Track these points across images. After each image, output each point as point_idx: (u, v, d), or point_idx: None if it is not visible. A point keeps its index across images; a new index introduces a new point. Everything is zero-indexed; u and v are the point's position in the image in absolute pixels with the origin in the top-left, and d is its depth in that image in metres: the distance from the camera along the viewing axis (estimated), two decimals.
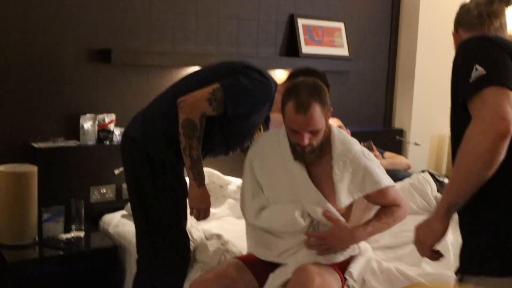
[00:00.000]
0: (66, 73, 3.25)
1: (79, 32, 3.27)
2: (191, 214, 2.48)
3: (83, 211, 3.08)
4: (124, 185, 3.31)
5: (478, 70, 1.64)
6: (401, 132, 4.66)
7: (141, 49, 3.47)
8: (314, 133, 2.24)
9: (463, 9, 1.98)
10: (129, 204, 3.20)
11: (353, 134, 4.02)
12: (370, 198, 2.39)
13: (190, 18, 3.65)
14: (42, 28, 3.15)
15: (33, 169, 2.89)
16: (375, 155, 3.73)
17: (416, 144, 4.52)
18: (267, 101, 2.50)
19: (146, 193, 2.48)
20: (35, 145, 3.14)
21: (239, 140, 2.62)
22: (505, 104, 1.58)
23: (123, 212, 3.26)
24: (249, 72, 2.46)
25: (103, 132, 3.34)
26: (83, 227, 3.06)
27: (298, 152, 2.31)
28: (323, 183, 2.33)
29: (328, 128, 2.37)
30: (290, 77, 2.56)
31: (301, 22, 4.12)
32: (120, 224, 3.13)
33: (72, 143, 3.26)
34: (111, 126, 3.36)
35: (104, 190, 3.32)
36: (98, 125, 3.33)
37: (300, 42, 4.09)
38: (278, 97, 2.48)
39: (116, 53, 3.30)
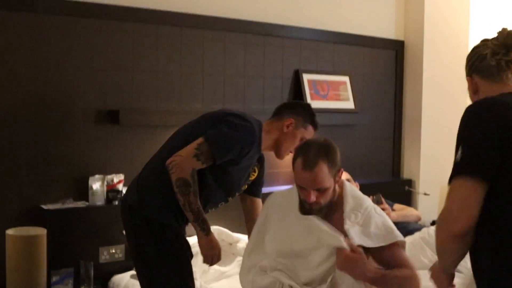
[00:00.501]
0: (75, 135, 3.30)
1: (87, 94, 3.32)
2: (204, 262, 2.55)
3: (92, 272, 3.07)
4: None
5: (459, 153, 1.65)
6: (410, 183, 4.66)
7: (149, 109, 3.53)
8: (321, 191, 2.27)
9: (477, 56, 1.90)
10: None
11: (362, 187, 4.05)
12: (380, 255, 2.33)
13: (197, 77, 3.71)
14: (50, 90, 3.21)
15: (42, 232, 2.90)
16: (384, 208, 3.75)
17: (425, 194, 4.52)
18: (253, 143, 2.53)
19: (149, 257, 2.48)
20: (44, 207, 3.15)
21: (234, 185, 2.65)
22: (464, 200, 1.60)
23: (133, 272, 3.24)
24: (230, 119, 2.53)
25: (112, 192, 3.35)
26: None
27: (306, 208, 2.33)
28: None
29: (341, 185, 2.41)
30: (275, 113, 2.75)
31: (306, 77, 4.18)
32: (130, 284, 3.11)
33: (81, 204, 3.27)
34: (120, 186, 3.38)
35: (114, 250, 3.32)
36: (107, 186, 3.35)
37: (306, 97, 4.14)
38: (265, 136, 2.61)
39: (124, 114, 3.35)
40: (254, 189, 2.81)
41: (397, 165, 4.79)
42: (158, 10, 3.52)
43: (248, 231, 2.78)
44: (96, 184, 3.31)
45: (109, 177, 3.35)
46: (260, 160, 2.75)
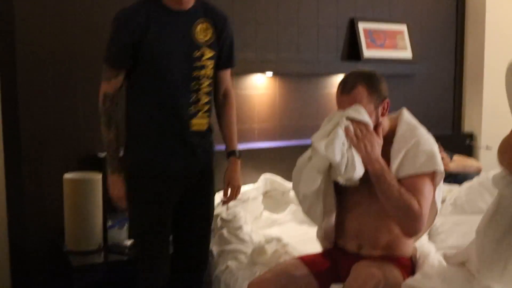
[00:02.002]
0: None
1: None
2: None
3: None
4: None
5: None
6: (471, 136, 4.50)
7: None
8: None
9: None
10: None
11: None
12: (409, 183, 2.21)
13: (249, 25, 3.67)
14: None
15: (98, 176, 2.96)
16: (442, 157, 3.63)
17: (487, 148, 4.36)
18: (124, 13, 2.43)
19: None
20: (101, 154, 3.22)
21: (170, 66, 2.44)
22: None
23: None
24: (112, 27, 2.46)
25: None
26: None
27: None
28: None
29: (399, 113, 2.36)
30: None
31: (361, 26, 4.07)
32: None
33: None
34: None
35: None
36: None
37: (362, 46, 4.04)
38: None
39: None
40: (220, 60, 2.60)
41: (458, 118, 4.62)
42: None
43: (219, 122, 2.74)
44: None
45: None
46: (209, 15, 2.52)
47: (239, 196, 3.14)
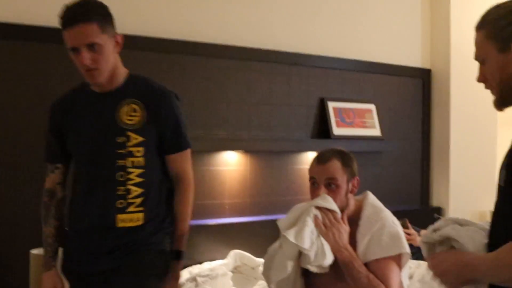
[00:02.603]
0: None
1: None
2: None
3: None
4: None
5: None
6: (439, 210, 4.60)
7: None
8: (331, 187, 2.31)
9: None
10: None
11: None
12: (375, 267, 2.27)
13: (222, 105, 3.80)
14: None
15: None
16: (410, 233, 3.72)
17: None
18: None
19: None
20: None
21: (80, 146, 2.29)
22: None
23: None
24: None
25: None
26: None
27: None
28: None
29: (364, 196, 2.46)
30: None
31: (331, 104, 4.22)
32: None
33: None
34: None
35: None
36: None
37: (331, 124, 4.17)
38: None
39: None
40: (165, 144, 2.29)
41: (426, 192, 4.75)
42: (183, 40, 3.64)
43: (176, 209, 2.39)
44: None
45: None
46: (141, 94, 2.24)
47: (208, 273, 3.19)
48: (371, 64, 4.46)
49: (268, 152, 3.97)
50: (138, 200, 2.19)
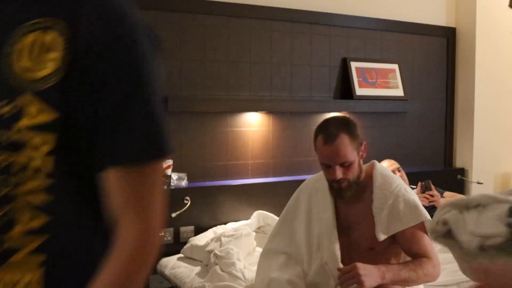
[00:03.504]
0: None
1: None
2: None
3: None
4: (182, 228, 3.43)
5: None
6: (462, 172, 4.58)
7: (196, 96, 3.61)
8: (345, 166, 2.25)
9: None
10: (185, 247, 3.31)
11: (412, 175, 4.05)
12: (403, 240, 2.28)
13: (244, 65, 3.77)
14: None
15: None
16: (433, 194, 3.71)
17: (478, 183, 4.43)
18: None
19: None
20: None
21: None
22: None
23: (180, 255, 3.33)
24: None
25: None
26: None
27: (335, 189, 2.32)
28: (364, 221, 2.31)
29: (371, 166, 2.40)
30: None
31: (354, 65, 4.17)
32: (176, 266, 3.20)
33: None
34: (169, 171, 3.47)
35: (162, 233, 3.40)
36: None
37: (354, 85, 4.13)
38: None
39: (172, 101, 3.44)
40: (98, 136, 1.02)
41: (450, 153, 4.71)
42: (206, 0, 3.60)
43: None
44: None
45: None
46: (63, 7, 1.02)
47: (232, 233, 3.21)
48: (395, 23, 4.38)
49: (290, 113, 3.95)
50: (35, 242, 1.02)
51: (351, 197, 2.31)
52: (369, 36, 4.30)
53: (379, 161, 4.06)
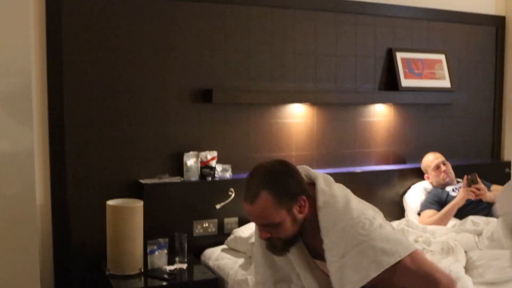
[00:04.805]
0: (170, 114, 3.44)
1: (182, 75, 3.46)
2: None
3: (186, 244, 3.20)
4: (226, 220, 3.45)
5: None
6: (510, 165, 4.47)
7: (240, 88, 3.61)
8: (271, 226, 1.95)
9: None
10: (229, 238, 3.33)
11: (458, 168, 3.98)
12: (392, 281, 1.90)
13: (288, 56, 3.76)
14: (147, 73, 3.37)
15: (139, 203, 3.06)
16: (480, 188, 3.64)
17: None
18: None
19: None
20: (142, 181, 3.33)
21: None
22: None
23: (224, 246, 3.36)
24: None
25: (206, 168, 3.47)
26: (186, 260, 3.18)
27: (270, 247, 2.05)
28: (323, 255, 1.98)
29: (313, 207, 1.99)
30: None
31: (399, 55, 4.11)
32: (220, 257, 3.23)
33: (176, 179, 3.42)
34: (213, 163, 3.49)
35: (207, 224, 3.44)
36: (201, 162, 3.47)
37: (400, 76, 4.07)
38: None
39: (217, 93, 3.45)
40: None
41: (497, 146, 4.60)
42: None
43: None
44: (191, 161, 3.44)
45: (202, 154, 3.47)
46: None
47: None
48: (441, 12, 4.29)
49: (335, 104, 3.92)
50: None
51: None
52: (415, 26, 4.22)
53: (425, 153, 4.06)
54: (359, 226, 1.90)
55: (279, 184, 1.92)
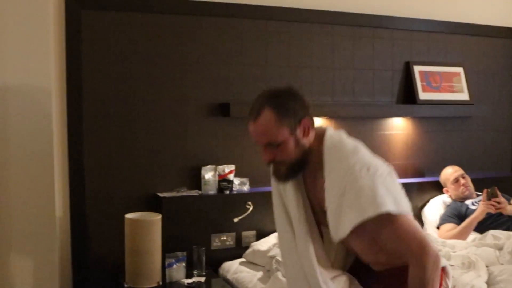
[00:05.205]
0: (188, 127, 3.46)
1: (200, 89, 3.48)
2: None
3: (204, 257, 3.20)
4: (244, 233, 3.44)
5: None
6: None
7: None
8: (273, 146, 1.93)
9: None
10: (247, 251, 3.32)
11: (478, 182, 3.95)
12: (370, 237, 1.91)
13: (305, 70, 3.76)
14: (165, 87, 3.40)
15: (157, 217, 3.07)
16: (500, 201, 3.60)
17: None
18: None
19: None
20: (160, 194, 3.34)
21: None
22: None
23: (242, 259, 3.35)
24: None
25: (223, 182, 3.48)
26: (204, 273, 3.17)
27: (275, 172, 2.04)
28: (321, 202, 1.96)
29: (319, 140, 1.99)
30: None
31: (417, 68, 4.10)
32: (238, 270, 3.22)
33: (194, 192, 3.43)
34: (231, 176, 3.50)
35: (225, 238, 3.44)
36: (219, 175, 3.48)
37: (417, 89, 4.06)
38: None
39: (234, 107, 3.46)
40: None
41: None
42: (267, 6, 3.61)
43: None
44: (209, 174, 3.45)
45: (220, 167, 3.48)
46: None
47: None
48: (459, 25, 4.28)
49: (352, 117, 3.91)
50: None
51: (308, 177, 2.01)
52: (433, 39, 4.21)
53: (443, 166, 4.03)
54: (364, 168, 1.87)
55: (282, 103, 1.91)
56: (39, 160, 2.90)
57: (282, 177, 2.03)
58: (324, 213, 1.96)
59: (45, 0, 2.84)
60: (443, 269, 1.99)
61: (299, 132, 1.93)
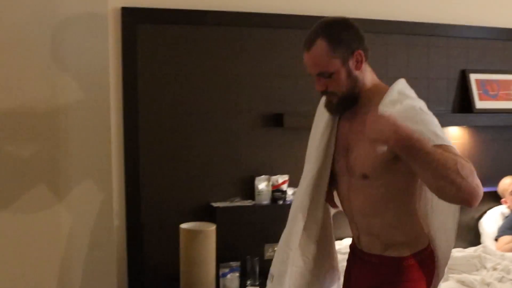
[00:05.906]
0: (242, 138, 3.49)
1: (253, 100, 3.51)
2: None
3: (257, 267, 3.22)
4: None
5: None
6: None
7: (311, 112, 3.60)
8: (325, 76, 1.93)
9: None
10: None
11: None
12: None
13: None
14: (219, 98, 3.44)
15: (212, 227, 3.11)
16: None
17: None
18: None
19: None
20: (214, 204, 3.38)
21: None
22: None
23: None
24: None
25: (277, 192, 3.49)
26: (257, 283, 3.19)
27: (327, 104, 2.05)
28: (361, 141, 1.92)
29: (371, 80, 2.01)
30: None
31: (473, 77, 4.03)
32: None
33: (248, 202, 3.45)
34: (284, 187, 3.51)
35: None
36: (272, 186, 3.49)
37: (474, 98, 3.99)
38: None
39: (288, 117, 3.47)
40: None
41: None
42: (320, 16, 3.60)
43: None
44: (262, 184, 3.47)
45: (274, 177, 3.50)
46: None
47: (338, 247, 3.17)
48: None
49: None
50: None
51: (353, 113, 1.98)
52: (490, 46, 4.13)
53: (501, 177, 3.94)
54: (423, 110, 1.90)
55: (335, 34, 1.90)
56: (98, 172, 2.97)
57: (333, 109, 2.03)
58: (344, 153, 2.00)
59: (104, 16, 2.92)
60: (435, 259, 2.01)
61: (351, 63, 1.93)
